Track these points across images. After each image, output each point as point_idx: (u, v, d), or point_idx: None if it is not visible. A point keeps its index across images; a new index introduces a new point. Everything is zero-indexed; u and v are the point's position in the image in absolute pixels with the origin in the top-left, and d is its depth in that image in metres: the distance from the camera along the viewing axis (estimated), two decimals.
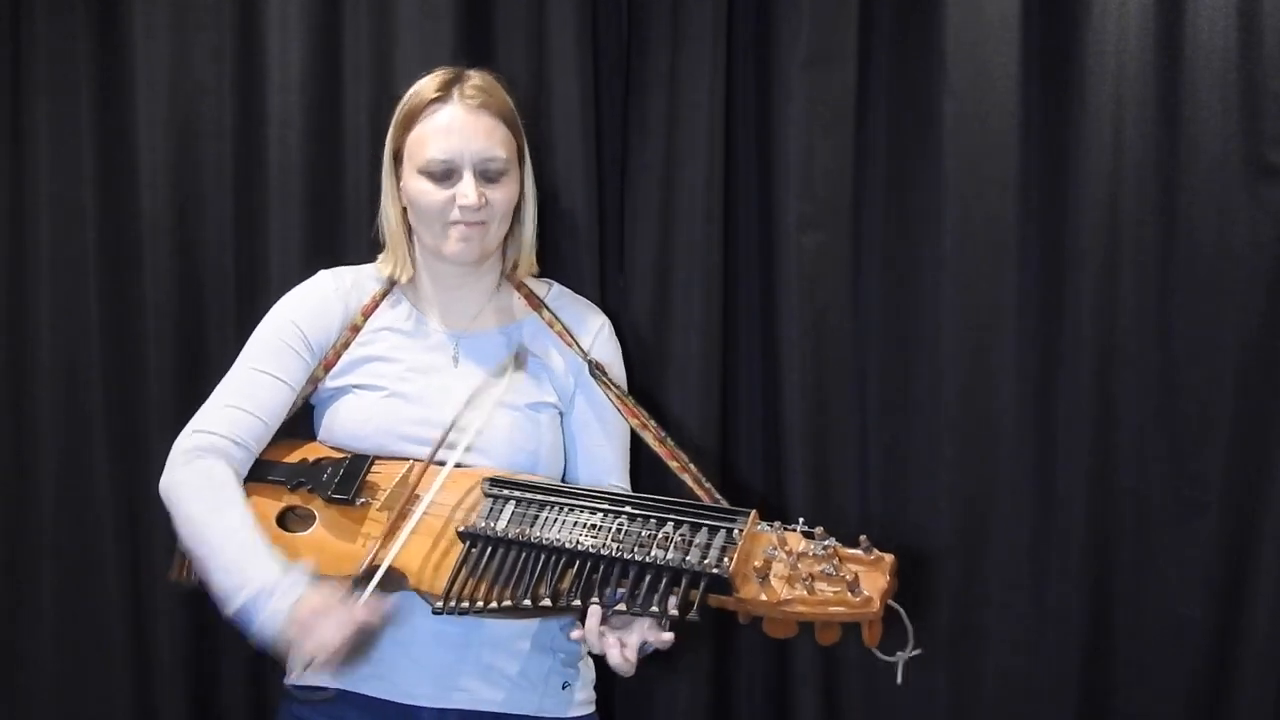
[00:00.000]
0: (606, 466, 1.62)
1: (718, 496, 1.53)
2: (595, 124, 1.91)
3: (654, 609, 1.30)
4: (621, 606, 1.32)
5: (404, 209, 1.58)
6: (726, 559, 1.30)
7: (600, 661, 1.44)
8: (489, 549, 1.40)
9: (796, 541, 1.31)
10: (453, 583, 1.39)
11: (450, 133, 1.51)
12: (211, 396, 1.56)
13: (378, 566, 1.41)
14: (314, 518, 1.51)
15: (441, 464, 1.48)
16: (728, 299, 1.93)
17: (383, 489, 1.49)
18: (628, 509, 1.39)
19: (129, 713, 1.96)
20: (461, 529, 1.42)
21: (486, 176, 1.52)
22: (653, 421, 1.59)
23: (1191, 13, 1.75)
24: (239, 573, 1.40)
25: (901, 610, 1.29)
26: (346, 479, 1.50)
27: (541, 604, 1.35)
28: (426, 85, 1.55)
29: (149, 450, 1.89)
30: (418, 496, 1.46)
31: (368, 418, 1.56)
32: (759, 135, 1.92)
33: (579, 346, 1.61)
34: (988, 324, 1.84)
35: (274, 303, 1.64)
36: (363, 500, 1.49)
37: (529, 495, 1.43)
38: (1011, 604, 1.85)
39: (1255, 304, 1.76)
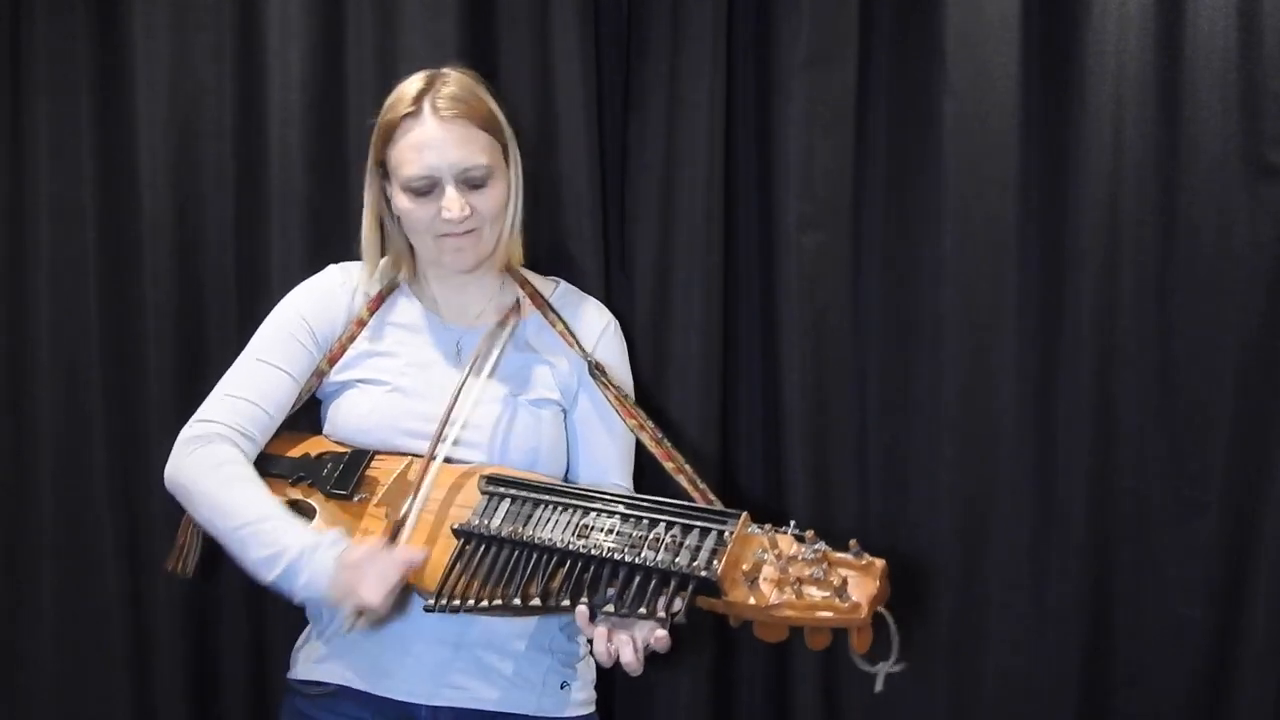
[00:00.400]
0: (608, 466, 1.62)
1: (712, 498, 1.54)
2: (598, 123, 1.91)
3: (642, 610, 1.30)
4: (610, 608, 1.32)
5: (379, 219, 1.59)
6: (716, 561, 1.29)
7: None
8: (482, 547, 1.40)
9: (787, 545, 1.30)
10: (445, 580, 1.39)
11: (426, 148, 1.49)
12: (216, 387, 1.57)
13: (405, 519, 1.42)
14: (314, 512, 1.51)
15: (447, 460, 1.48)
16: (728, 299, 1.92)
17: (382, 484, 1.49)
18: (621, 509, 1.39)
19: (129, 713, 1.95)
20: (456, 526, 1.43)
21: (470, 184, 1.51)
22: (650, 422, 1.59)
23: (1191, 13, 1.75)
24: (273, 540, 1.41)
25: (890, 620, 1.27)
26: (346, 474, 1.51)
27: (532, 603, 1.35)
28: (400, 98, 1.52)
29: (149, 450, 1.89)
30: (416, 492, 1.46)
31: (370, 412, 1.56)
32: (759, 135, 1.92)
33: (580, 346, 1.61)
34: (988, 324, 1.84)
35: (275, 303, 1.65)
36: (361, 496, 1.50)
37: (525, 494, 1.43)
38: (1011, 604, 1.85)
39: (1255, 304, 1.76)
